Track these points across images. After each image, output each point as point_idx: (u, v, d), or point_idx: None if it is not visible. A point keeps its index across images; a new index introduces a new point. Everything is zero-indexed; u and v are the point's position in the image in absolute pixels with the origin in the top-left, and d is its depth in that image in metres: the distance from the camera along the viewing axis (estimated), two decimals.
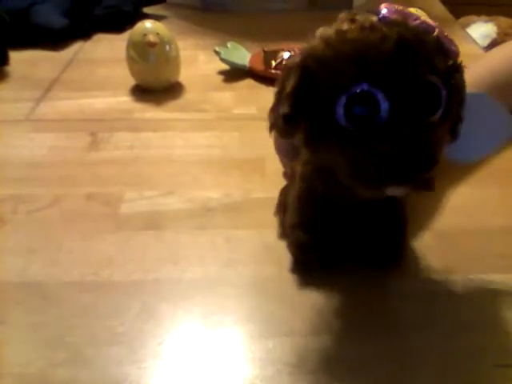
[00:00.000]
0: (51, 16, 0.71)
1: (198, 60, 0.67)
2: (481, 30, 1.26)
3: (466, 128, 0.31)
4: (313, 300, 0.34)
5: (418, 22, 0.28)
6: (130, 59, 0.58)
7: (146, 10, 0.81)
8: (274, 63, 0.61)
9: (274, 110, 0.30)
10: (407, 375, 0.30)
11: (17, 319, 0.33)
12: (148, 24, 0.57)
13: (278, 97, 0.30)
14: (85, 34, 0.74)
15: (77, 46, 0.72)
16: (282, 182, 0.45)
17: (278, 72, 0.61)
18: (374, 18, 0.28)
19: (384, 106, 0.26)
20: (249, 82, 0.62)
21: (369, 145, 0.26)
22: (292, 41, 0.67)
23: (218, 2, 0.84)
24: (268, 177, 0.46)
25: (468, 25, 1.27)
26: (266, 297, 0.35)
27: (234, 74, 0.63)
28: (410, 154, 0.26)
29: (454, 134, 0.31)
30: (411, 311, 0.33)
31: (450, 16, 0.82)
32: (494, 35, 1.26)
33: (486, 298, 0.34)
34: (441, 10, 0.85)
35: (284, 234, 0.38)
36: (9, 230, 0.40)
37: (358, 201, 0.32)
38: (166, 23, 0.75)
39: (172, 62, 0.59)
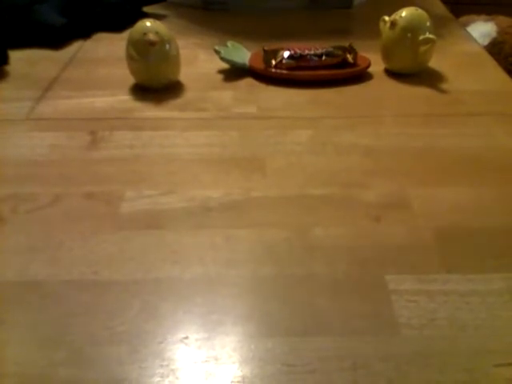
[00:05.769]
0: (51, 15, 0.71)
1: (198, 59, 0.67)
2: (481, 29, 1.27)
3: None
4: (313, 300, 0.34)
5: None
6: (130, 58, 0.58)
7: (146, 8, 0.81)
8: (274, 62, 0.61)
9: None
10: (407, 375, 0.30)
11: (16, 318, 0.33)
12: (148, 23, 0.57)
13: None
14: (85, 33, 0.74)
15: (76, 45, 0.71)
16: (283, 181, 0.45)
17: (278, 71, 0.61)
18: None
19: None
20: (249, 81, 0.62)
21: None
22: (292, 40, 0.67)
23: (218, 1, 0.84)
24: (268, 176, 0.46)
25: (468, 24, 1.27)
26: (265, 296, 0.35)
27: (234, 73, 0.63)
28: None
29: None
30: (411, 311, 0.33)
31: (450, 15, 0.82)
32: (494, 34, 1.26)
33: (486, 297, 0.34)
34: (441, 9, 0.85)
35: None
36: (8, 229, 0.40)
37: None
38: (166, 22, 0.76)
39: (172, 60, 0.59)
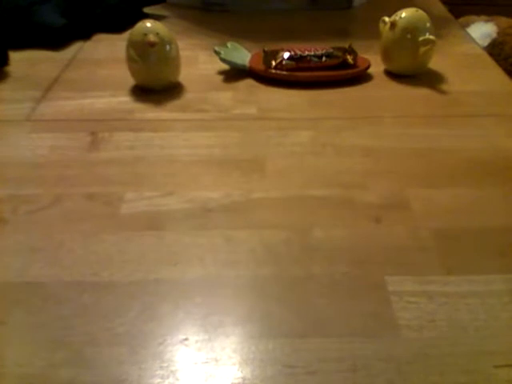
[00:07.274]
0: (51, 16, 0.71)
1: (198, 60, 0.67)
2: (481, 29, 1.26)
3: None
4: (312, 301, 0.34)
5: None
6: (130, 59, 0.58)
7: (146, 9, 0.81)
8: (274, 63, 0.61)
9: None
10: (407, 377, 0.30)
11: (17, 319, 0.33)
12: (148, 24, 0.57)
13: None
14: (85, 34, 0.74)
15: (77, 46, 0.72)
16: (283, 182, 0.45)
17: (278, 72, 0.61)
18: None
19: None
20: (249, 82, 0.62)
21: None
22: (292, 41, 0.67)
23: (218, 2, 0.84)
24: (268, 177, 0.46)
25: (468, 24, 1.27)
26: (265, 297, 0.35)
27: (234, 73, 0.63)
28: None
29: None
30: (410, 312, 0.33)
31: (449, 16, 0.82)
32: (494, 35, 1.26)
33: (486, 299, 0.34)
34: (441, 9, 0.85)
35: None
36: (9, 230, 0.40)
37: None
38: (166, 23, 0.76)
39: (172, 61, 0.59)
